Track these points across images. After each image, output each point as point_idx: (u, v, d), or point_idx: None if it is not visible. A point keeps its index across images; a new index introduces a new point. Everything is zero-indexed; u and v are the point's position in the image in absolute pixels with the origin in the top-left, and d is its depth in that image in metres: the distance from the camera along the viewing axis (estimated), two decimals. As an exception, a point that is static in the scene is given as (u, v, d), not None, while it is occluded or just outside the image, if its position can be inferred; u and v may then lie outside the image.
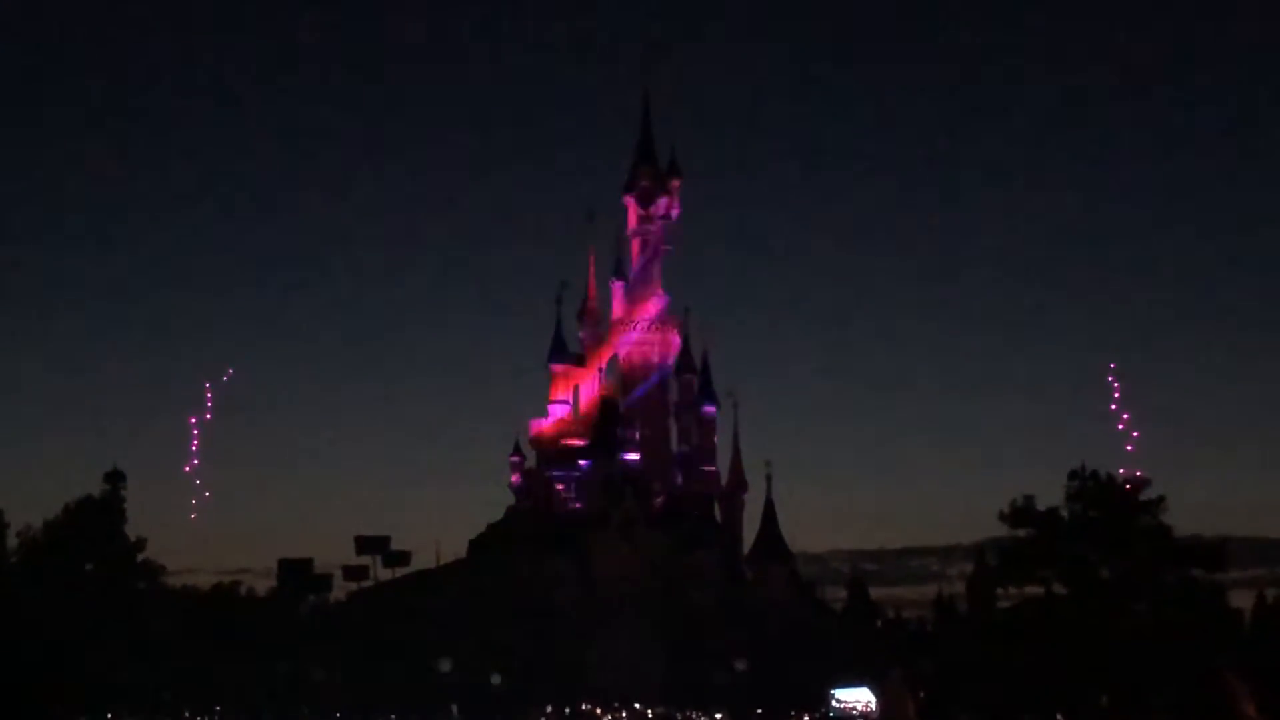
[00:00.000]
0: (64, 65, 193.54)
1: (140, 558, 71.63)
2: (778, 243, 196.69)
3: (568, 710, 71.14)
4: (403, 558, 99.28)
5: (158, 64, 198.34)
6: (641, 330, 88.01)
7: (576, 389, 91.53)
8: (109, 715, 61.92)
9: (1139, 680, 53.28)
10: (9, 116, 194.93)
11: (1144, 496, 58.05)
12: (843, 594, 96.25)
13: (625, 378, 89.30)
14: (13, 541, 71.22)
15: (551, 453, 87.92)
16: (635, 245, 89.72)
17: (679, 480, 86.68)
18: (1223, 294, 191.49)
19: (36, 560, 68.28)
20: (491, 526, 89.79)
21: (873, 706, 58.13)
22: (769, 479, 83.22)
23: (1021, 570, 61.25)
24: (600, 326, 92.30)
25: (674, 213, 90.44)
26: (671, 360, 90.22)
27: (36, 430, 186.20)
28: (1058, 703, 59.02)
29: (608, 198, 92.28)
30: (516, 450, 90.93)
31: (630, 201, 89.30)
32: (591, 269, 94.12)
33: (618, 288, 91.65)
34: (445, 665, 73.76)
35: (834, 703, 67.40)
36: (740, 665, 77.38)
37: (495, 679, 73.40)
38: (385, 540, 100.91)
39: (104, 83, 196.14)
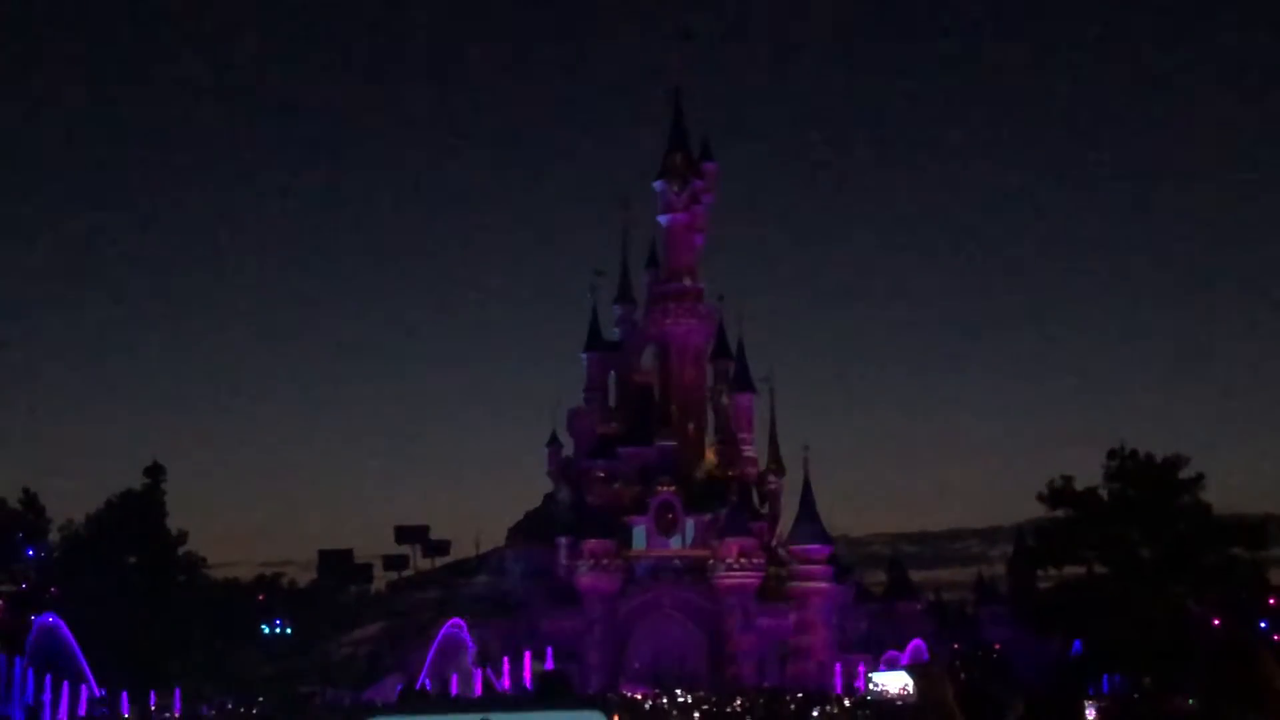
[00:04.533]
0: (115, 55, 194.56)
1: (182, 551, 72.22)
2: (813, 226, 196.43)
3: (608, 696, 71.22)
4: (442, 547, 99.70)
5: (184, 49, 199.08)
6: (676, 317, 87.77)
7: (613, 376, 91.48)
8: (152, 706, 62.40)
9: (1180, 659, 53.09)
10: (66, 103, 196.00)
11: (1183, 474, 57.74)
12: (883, 577, 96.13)
13: (661, 364, 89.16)
14: (55, 536, 71.70)
15: (588, 440, 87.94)
16: (669, 231, 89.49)
17: (716, 466, 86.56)
18: (1263, 271, 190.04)
19: (79, 554, 68.84)
20: (530, 514, 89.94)
21: (910, 690, 57.92)
22: (806, 463, 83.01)
23: (1061, 551, 61.09)
24: (635, 313, 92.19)
25: (708, 198, 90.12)
26: (707, 346, 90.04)
27: (77, 424, 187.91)
28: (1099, 682, 58.83)
29: (642, 184, 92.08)
30: (554, 438, 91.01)
31: (664, 187, 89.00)
32: (625, 256, 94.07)
33: (652, 274, 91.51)
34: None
35: (872, 686, 67.21)
36: (781, 650, 77.44)
37: (534, 666, 73.58)
38: (424, 530, 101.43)
39: (142, 75, 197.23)
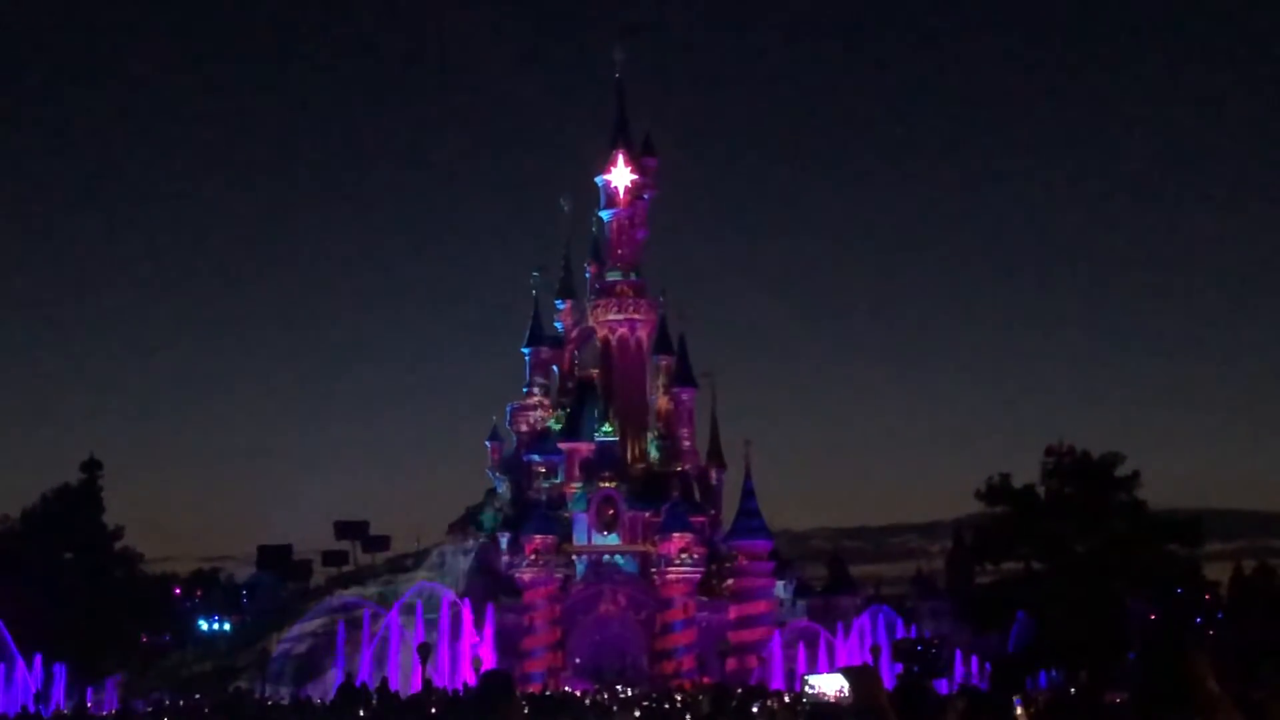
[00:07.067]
0: (54, 62, 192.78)
1: (118, 546, 71.61)
2: (756, 223, 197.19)
3: (548, 692, 71.19)
4: (382, 542, 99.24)
5: (142, 60, 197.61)
6: (618, 311, 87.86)
7: (554, 371, 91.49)
8: (89, 704, 61.86)
9: (1117, 654, 53.62)
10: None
11: (1119, 472, 58.31)
12: (824, 572, 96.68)
13: (603, 359, 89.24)
14: (-11, 531, 70.89)
15: (529, 435, 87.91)
16: (611, 227, 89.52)
17: (657, 461, 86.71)
18: (1200, 272, 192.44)
19: (13, 550, 68.15)
20: (470, 509, 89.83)
21: (846, 692, 57.97)
22: (748, 458, 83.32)
23: (999, 547, 61.52)
24: (577, 309, 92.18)
25: (650, 193, 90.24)
26: (649, 341, 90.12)
27: (13, 420, 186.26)
28: (1036, 679, 59.23)
29: (584, 179, 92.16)
30: (495, 433, 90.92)
31: (606, 183, 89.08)
32: (568, 251, 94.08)
33: (594, 269, 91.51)
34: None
35: (808, 689, 67.46)
36: (722, 645, 77.59)
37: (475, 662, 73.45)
38: (364, 525, 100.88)
39: (91, 82, 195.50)
